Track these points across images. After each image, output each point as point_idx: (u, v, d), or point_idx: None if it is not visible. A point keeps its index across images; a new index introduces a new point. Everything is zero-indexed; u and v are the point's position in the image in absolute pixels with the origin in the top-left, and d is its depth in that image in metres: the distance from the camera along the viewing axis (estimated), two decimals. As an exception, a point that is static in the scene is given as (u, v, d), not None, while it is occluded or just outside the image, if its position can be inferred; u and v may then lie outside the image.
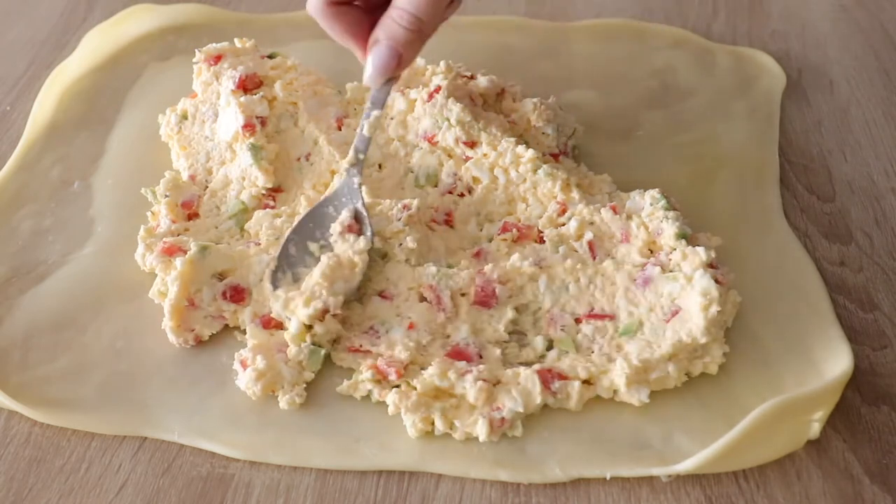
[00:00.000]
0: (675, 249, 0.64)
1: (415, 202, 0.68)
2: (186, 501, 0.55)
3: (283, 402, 0.59)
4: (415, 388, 0.59)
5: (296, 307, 0.61)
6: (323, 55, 0.88)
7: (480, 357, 0.61)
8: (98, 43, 0.89)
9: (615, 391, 0.59)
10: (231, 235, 0.70)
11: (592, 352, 0.62)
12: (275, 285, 0.63)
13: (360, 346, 0.62)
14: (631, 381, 0.58)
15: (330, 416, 0.59)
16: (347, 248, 0.64)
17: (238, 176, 0.71)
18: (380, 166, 0.73)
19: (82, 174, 0.76)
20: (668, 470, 0.55)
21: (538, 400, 0.58)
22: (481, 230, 0.69)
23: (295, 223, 0.66)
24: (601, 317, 0.63)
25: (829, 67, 0.90)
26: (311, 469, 0.57)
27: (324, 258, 0.63)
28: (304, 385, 0.60)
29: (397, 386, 0.60)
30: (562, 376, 0.59)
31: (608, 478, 0.56)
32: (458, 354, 0.61)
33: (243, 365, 0.61)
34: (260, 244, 0.67)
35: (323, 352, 0.62)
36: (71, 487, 0.56)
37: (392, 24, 0.62)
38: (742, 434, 0.55)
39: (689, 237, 0.65)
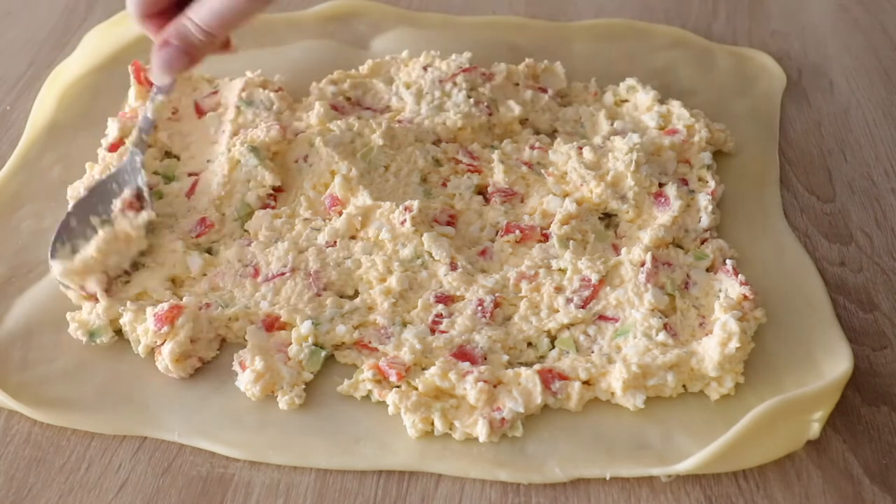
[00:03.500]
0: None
1: (416, 203, 0.68)
2: (186, 501, 0.55)
3: (282, 402, 0.59)
4: (415, 388, 0.59)
5: (72, 279, 0.63)
6: (323, 54, 0.88)
7: (485, 359, 0.61)
8: (98, 43, 0.89)
9: (612, 394, 0.59)
10: (233, 237, 0.70)
11: (592, 352, 0.62)
12: (52, 255, 0.65)
13: (369, 342, 0.62)
14: (627, 385, 0.58)
15: (330, 416, 0.59)
16: (127, 224, 0.66)
17: (243, 179, 0.71)
18: (385, 168, 0.73)
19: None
20: (668, 470, 0.55)
21: (538, 400, 0.58)
22: (483, 231, 0.70)
23: (78, 198, 0.69)
24: (609, 319, 0.63)
25: (829, 67, 0.90)
26: (311, 469, 0.57)
27: (101, 231, 0.65)
28: (304, 385, 0.60)
29: (398, 386, 0.60)
30: (562, 376, 0.59)
31: (608, 478, 0.56)
32: (462, 356, 0.61)
33: (242, 366, 0.61)
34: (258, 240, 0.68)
35: (323, 353, 0.62)
36: (71, 487, 0.56)
37: (184, 27, 0.66)
38: (742, 434, 0.55)
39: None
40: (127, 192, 0.68)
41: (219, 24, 0.65)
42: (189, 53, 0.67)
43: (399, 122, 0.76)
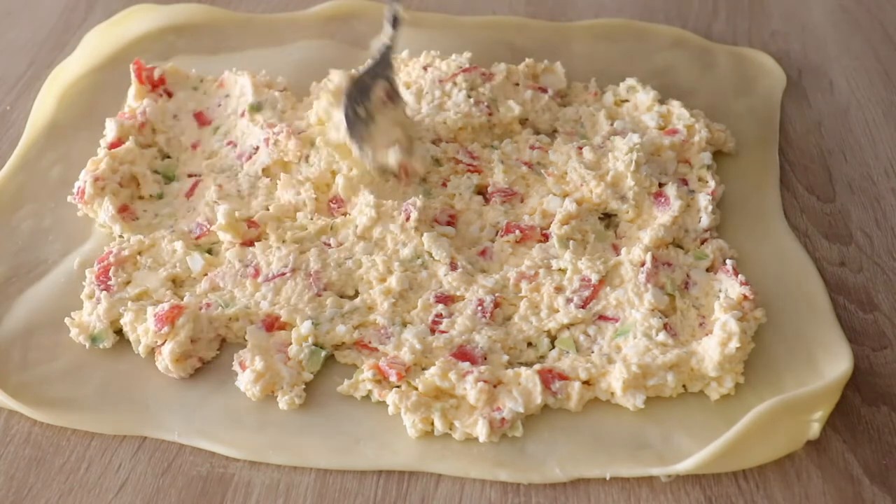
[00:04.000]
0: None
1: (418, 202, 0.68)
2: (186, 501, 0.55)
3: (282, 402, 0.59)
4: (415, 388, 0.59)
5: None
6: (323, 54, 0.88)
7: (485, 359, 0.61)
8: (98, 43, 0.89)
9: (612, 394, 0.59)
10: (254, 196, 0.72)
11: (592, 352, 0.62)
12: (357, 142, 0.71)
13: (369, 342, 0.62)
14: (627, 385, 0.58)
15: (330, 416, 0.59)
16: (388, 112, 0.73)
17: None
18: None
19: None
20: (668, 470, 0.55)
21: (538, 400, 0.58)
22: (483, 231, 0.70)
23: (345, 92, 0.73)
24: (609, 319, 0.63)
25: (829, 67, 0.90)
26: (311, 469, 0.57)
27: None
28: (304, 385, 0.60)
29: (398, 386, 0.60)
30: (562, 376, 0.59)
31: (608, 478, 0.56)
32: (462, 356, 0.61)
33: (242, 366, 0.61)
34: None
35: (323, 353, 0.62)
36: (71, 487, 0.56)
37: None
38: (742, 434, 0.55)
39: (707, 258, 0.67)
40: (380, 86, 0.74)
41: None
42: None
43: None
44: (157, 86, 0.80)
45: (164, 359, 0.60)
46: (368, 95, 0.74)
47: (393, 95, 0.75)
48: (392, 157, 0.70)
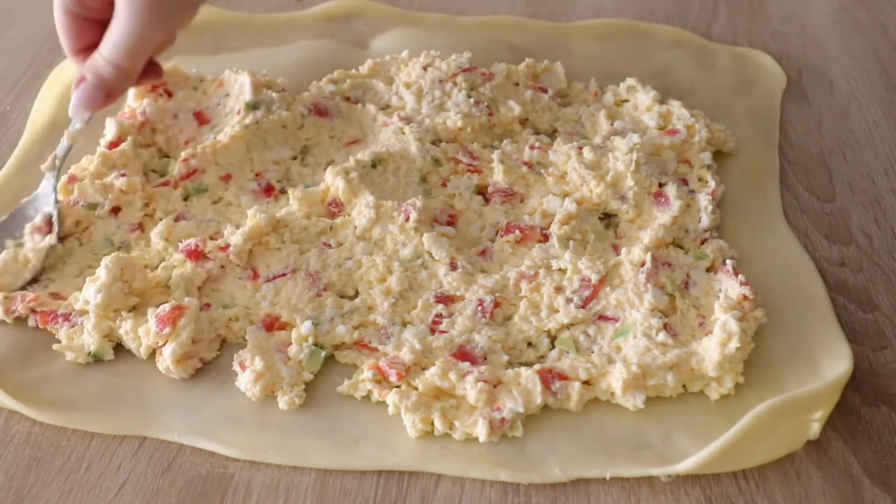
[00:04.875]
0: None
1: (418, 202, 0.68)
2: (186, 501, 0.55)
3: (282, 402, 0.59)
4: (415, 388, 0.59)
5: None
6: (323, 54, 0.89)
7: (485, 359, 0.61)
8: (98, 43, 0.89)
9: (612, 394, 0.59)
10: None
11: (592, 352, 0.62)
12: None
13: (369, 342, 0.62)
14: (627, 385, 0.58)
15: (330, 416, 0.59)
16: (31, 247, 0.67)
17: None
18: (384, 167, 0.73)
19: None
20: (668, 470, 0.55)
21: (538, 400, 0.58)
22: (483, 231, 0.70)
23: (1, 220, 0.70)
24: (609, 319, 0.63)
25: (829, 67, 0.90)
26: (311, 469, 0.57)
27: (1, 253, 0.67)
28: (304, 386, 0.60)
29: (398, 386, 0.60)
30: (562, 377, 0.59)
31: (608, 478, 0.56)
32: (462, 356, 0.61)
33: (242, 366, 0.61)
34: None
35: (323, 353, 0.62)
36: (71, 487, 0.56)
37: (95, 62, 0.68)
38: (741, 434, 0.55)
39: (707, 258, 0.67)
40: (38, 217, 0.69)
41: (125, 55, 0.67)
42: (103, 89, 0.68)
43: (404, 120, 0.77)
44: (156, 86, 0.80)
45: (166, 359, 0.60)
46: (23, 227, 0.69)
47: (46, 228, 0.69)
48: None
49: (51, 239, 0.68)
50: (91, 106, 0.69)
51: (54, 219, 0.69)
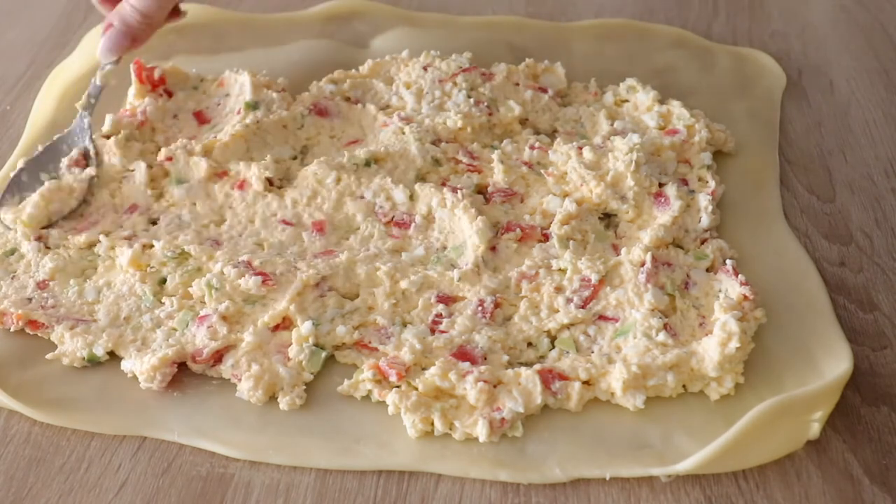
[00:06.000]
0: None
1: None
2: (186, 501, 0.55)
3: (283, 403, 0.59)
4: (415, 388, 0.59)
5: (17, 217, 0.69)
6: (323, 54, 0.89)
7: (485, 359, 0.61)
8: (98, 43, 0.89)
9: (612, 394, 0.59)
10: None
11: (592, 352, 0.62)
12: (1, 205, 0.71)
13: (370, 342, 0.62)
14: (627, 385, 0.58)
15: (330, 416, 0.59)
16: (72, 179, 0.72)
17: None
18: (380, 166, 0.73)
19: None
20: (668, 470, 0.55)
21: (538, 400, 0.58)
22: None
23: (31, 156, 0.75)
24: (609, 319, 0.63)
25: (829, 67, 0.90)
26: (311, 469, 0.57)
27: (46, 182, 0.71)
28: (304, 386, 0.60)
29: (398, 386, 0.60)
30: (562, 377, 0.59)
31: (608, 478, 0.56)
32: (462, 356, 0.61)
33: (237, 378, 0.60)
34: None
35: (324, 353, 0.62)
36: (71, 487, 0.56)
37: (123, 9, 0.76)
38: (741, 433, 0.55)
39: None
40: (75, 152, 0.74)
41: (152, 4, 0.75)
42: (129, 35, 0.76)
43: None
44: (157, 85, 0.80)
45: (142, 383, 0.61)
46: (60, 162, 0.74)
47: (84, 162, 0.74)
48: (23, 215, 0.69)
49: (91, 170, 0.73)
50: (117, 50, 0.76)
51: (91, 153, 0.74)
